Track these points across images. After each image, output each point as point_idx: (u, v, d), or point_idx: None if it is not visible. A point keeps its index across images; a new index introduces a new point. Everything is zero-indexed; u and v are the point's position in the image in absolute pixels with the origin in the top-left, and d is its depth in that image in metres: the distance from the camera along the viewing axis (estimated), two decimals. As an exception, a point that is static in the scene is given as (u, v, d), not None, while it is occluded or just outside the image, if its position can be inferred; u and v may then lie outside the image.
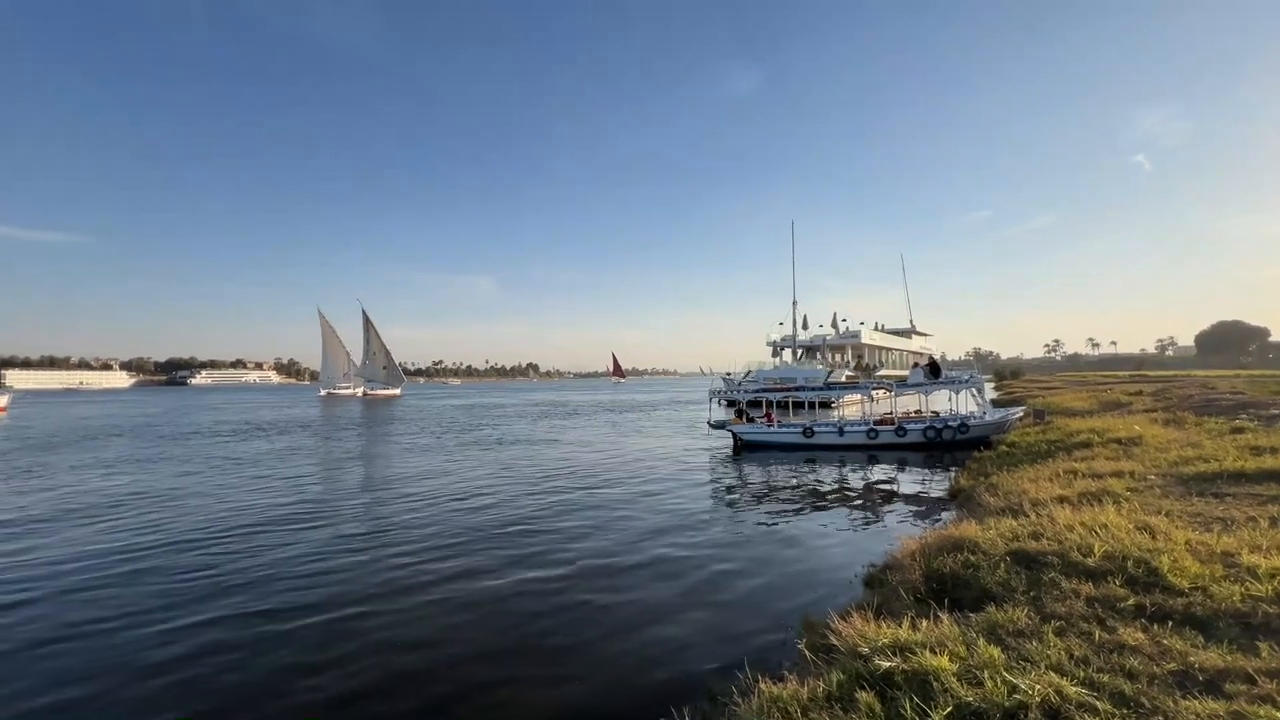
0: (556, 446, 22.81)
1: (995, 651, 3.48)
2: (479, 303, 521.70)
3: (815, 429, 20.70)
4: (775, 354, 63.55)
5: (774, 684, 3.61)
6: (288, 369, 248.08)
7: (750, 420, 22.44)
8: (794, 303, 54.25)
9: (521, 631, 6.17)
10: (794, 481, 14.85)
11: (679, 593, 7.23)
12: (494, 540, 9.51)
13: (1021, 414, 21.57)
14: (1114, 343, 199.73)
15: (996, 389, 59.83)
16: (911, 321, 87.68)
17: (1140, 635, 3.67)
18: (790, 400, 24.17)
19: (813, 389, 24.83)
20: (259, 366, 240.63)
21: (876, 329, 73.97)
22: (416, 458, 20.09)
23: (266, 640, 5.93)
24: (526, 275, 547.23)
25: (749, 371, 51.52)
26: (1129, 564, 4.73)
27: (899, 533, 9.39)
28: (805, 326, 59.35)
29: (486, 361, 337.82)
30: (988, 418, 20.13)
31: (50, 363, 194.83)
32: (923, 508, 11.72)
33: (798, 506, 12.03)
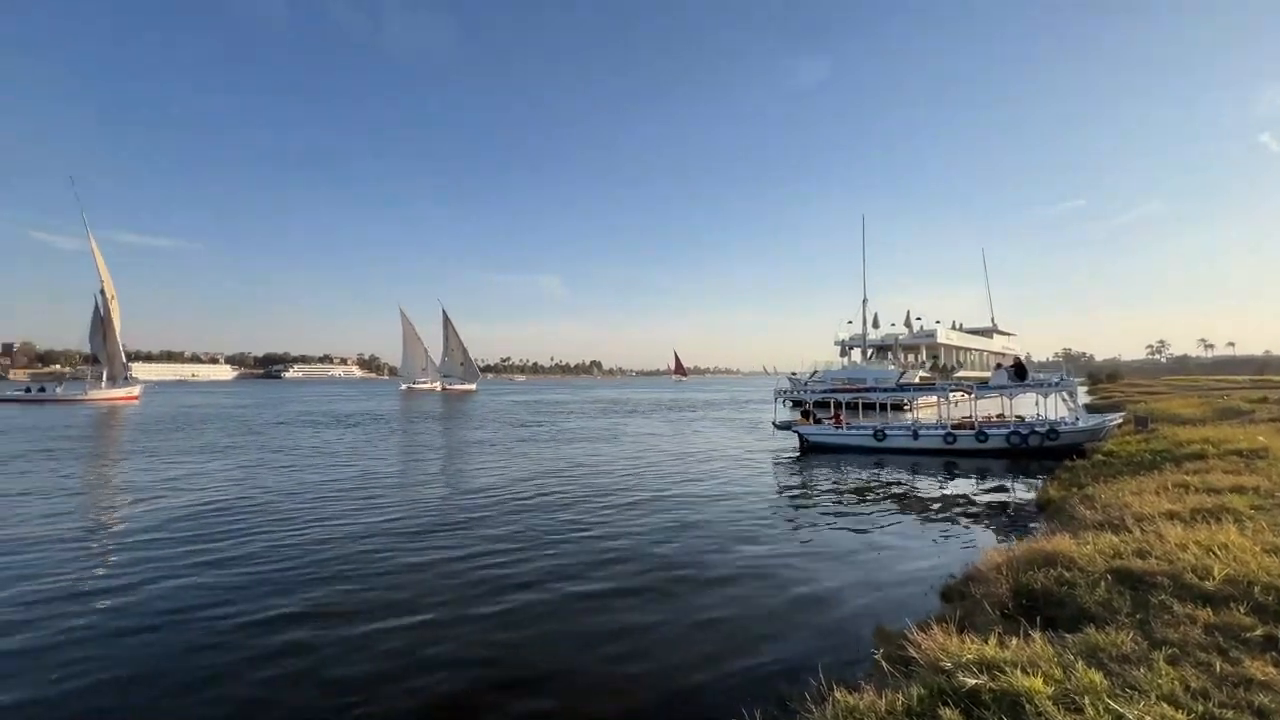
0: (617, 445, 23.05)
1: (1096, 676, 3.22)
2: (546, 302, 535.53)
3: (887, 432, 19.86)
4: (843, 353, 61.41)
5: (849, 693, 3.51)
6: (369, 364, 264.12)
7: (817, 421, 21.82)
8: (864, 300, 52.06)
9: (579, 630, 6.18)
10: (863, 486, 14.31)
11: (741, 596, 7.12)
12: (553, 544, 9.32)
13: (1120, 420, 19.83)
14: (1231, 344, 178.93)
15: (1090, 393, 55.25)
16: (993, 320, 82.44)
17: (1271, 670, 3.29)
18: (860, 401, 23.30)
19: (884, 390, 23.84)
20: (343, 362, 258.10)
21: (954, 328, 70.04)
22: (483, 454, 20.85)
23: (309, 647, 5.81)
24: (591, 274, 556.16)
25: (815, 371, 50.10)
26: (1256, 590, 4.25)
27: (980, 544, 8.88)
28: (876, 325, 56.94)
29: (552, 359, 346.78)
30: (1081, 424, 18.64)
31: (167, 356, 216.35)
32: (1006, 518, 11.01)
33: (867, 512, 11.60)
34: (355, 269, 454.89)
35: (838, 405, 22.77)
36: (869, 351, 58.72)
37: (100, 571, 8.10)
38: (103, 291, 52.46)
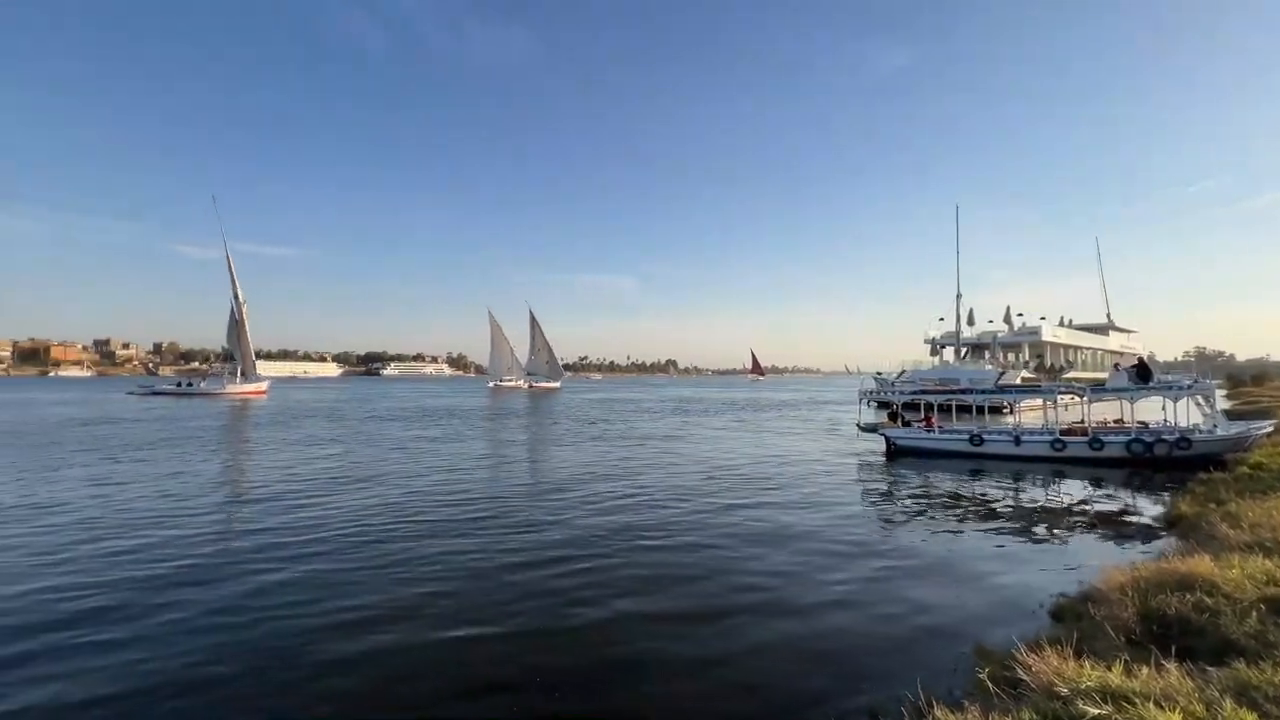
0: (692, 446, 22.97)
1: (1250, 717, 2.86)
2: (621, 301, 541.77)
3: (985, 436, 18.52)
4: (934, 352, 57.72)
5: (951, 712, 3.32)
6: (457, 362, 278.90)
7: (905, 424, 20.71)
8: (957, 296, 48.60)
9: (656, 641, 5.98)
10: (958, 494, 13.43)
11: (826, 607, 6.84)
12: (628, 555, 8.84)
13: (1270, 429, 17.38)
14: None
15: (1230, 397, 48.69)
16: (1109, 316, 74.74)
17: None
18: (953, 404, 21.84)
19: (981, 391, 22.16)
20: (434, 360, 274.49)
21: (1062, 325, 64.10)
22: (563, 453, 21.43)
23: (369, 652, 5.70)
24: (665, 273, 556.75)
25: (903, 371, 47.51)
26: None
27: (1096, 561, 8.10)
28: (971, 322, 52.90)
29: (628, 358, 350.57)
30: (1219, 431, 16.52)
31: (283, 355, 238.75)
32: (1126, 535, 9.96)
33: (963, 522, 10.87)
34: (443, 272, 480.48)
35: (928, 407, 21.50)
36: (963, 350, 54.80)
37: (205, 561, 8.81)
38: (236, 297, 58.73)
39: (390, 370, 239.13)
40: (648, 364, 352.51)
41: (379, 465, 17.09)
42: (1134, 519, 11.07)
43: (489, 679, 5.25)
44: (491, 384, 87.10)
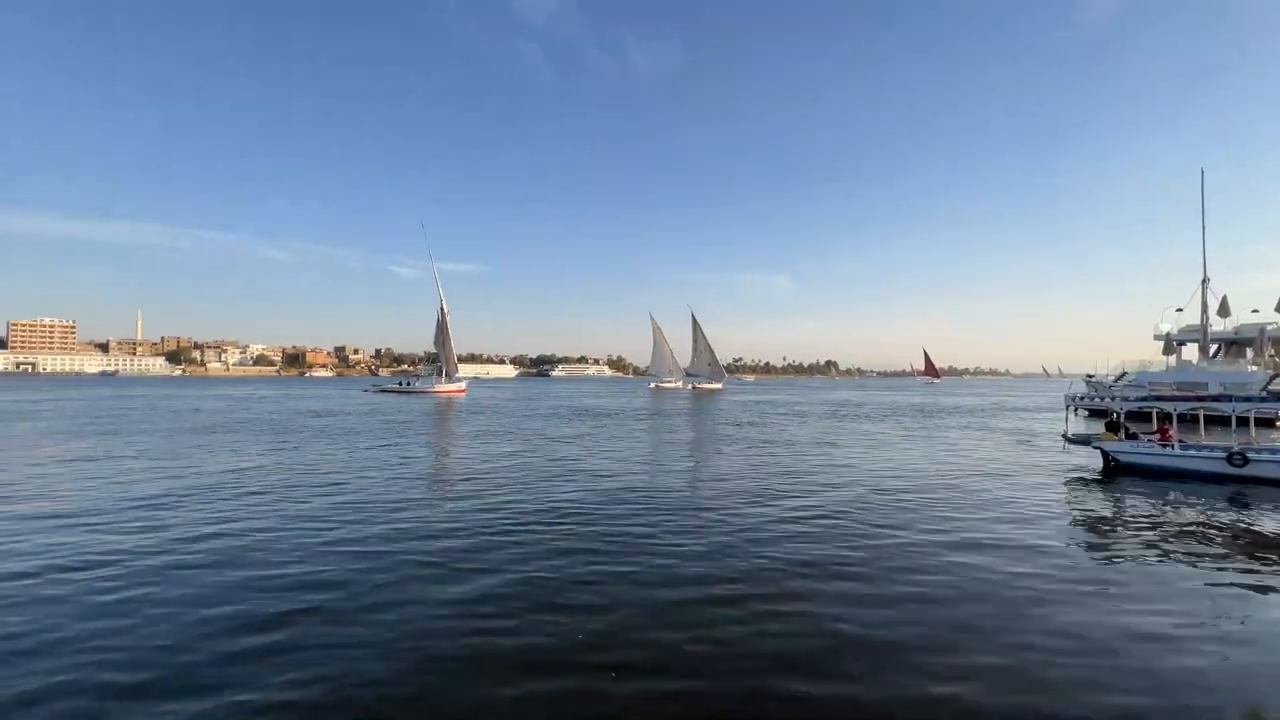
0: (864, 454, 21.82)
1: None
2: (775, 300, 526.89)
3: (1251, 455, 15.04)
4: (1168, 350, 47.52)
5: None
6: (617, 364, 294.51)
7: (1130, 435, 17.56)
8: (1204, 280, 39.30)
9: (841, 696, 5.23)
10: (1211, 526, 11.13)
11: (1049, 662, 6.06)
12: (800, 590, 7.62)
13: None
14: None
15: None
16: None
17: None
18: (1200, 413, 17.99)
19: (1244, 399, 17.92)
20: (596, 362, 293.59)
21: (1374, 311, 48.74)
22: (723, 458, 21.60)
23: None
24: (824, 271, 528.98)
25: (1124, 374, 39.91)
26: None
27: None
28: (1224, 313, 42.55)
29: (784, 359, 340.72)
30: None
31: (471, 358, 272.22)
32: None
33: (1224, 561, 9.09)
34: (605, 278, 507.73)
35: (1164, 417, 17.99)
36: (1213, 348, 44.32)
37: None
38: (442, 308, 68.37)
39: (558, 372, 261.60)
40: (805, 365, 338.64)
41: (553, 464, 18.90)
42: None
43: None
44: (652, 385, 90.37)
